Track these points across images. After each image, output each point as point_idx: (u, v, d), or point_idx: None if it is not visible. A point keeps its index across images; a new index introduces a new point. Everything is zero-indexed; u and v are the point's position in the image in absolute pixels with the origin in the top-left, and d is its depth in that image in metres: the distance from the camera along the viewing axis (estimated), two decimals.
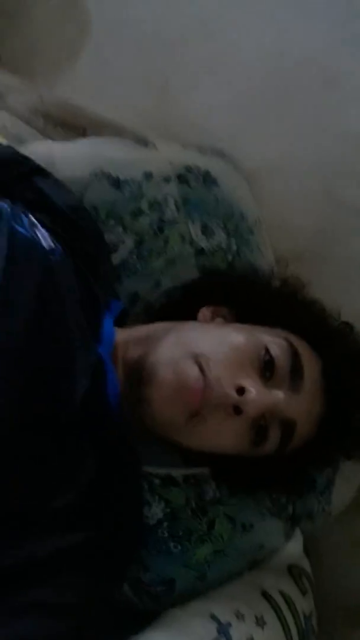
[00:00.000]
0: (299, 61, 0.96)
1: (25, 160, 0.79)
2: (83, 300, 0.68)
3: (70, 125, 0.96)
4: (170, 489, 0.71)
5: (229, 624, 0.66)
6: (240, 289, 0.77)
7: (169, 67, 1.06)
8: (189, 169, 0.94)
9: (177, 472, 0.72)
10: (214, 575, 0.72)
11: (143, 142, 0.97)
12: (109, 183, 0.87)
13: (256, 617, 0.68)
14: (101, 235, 0.82)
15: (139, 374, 0.63)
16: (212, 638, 0.64)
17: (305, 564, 0.79)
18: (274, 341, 0.66)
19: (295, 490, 0.77)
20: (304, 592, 0.75)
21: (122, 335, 0.70)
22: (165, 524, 0.70)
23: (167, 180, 0.91)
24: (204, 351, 0.63)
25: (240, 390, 0.61)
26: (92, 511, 0.61)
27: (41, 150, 0.85)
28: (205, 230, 0.91)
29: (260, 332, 0.68)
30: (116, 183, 0.88)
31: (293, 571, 0.76)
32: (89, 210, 0.82)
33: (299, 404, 0.65)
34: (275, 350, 0.65)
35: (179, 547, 0.70)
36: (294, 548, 0.79)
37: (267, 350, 0.65)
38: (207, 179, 0.95)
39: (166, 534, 0.70)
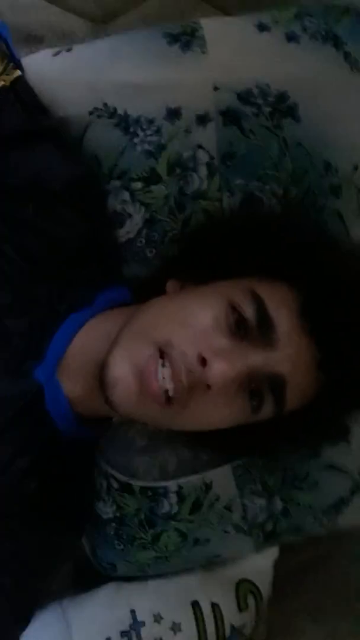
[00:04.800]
0: None
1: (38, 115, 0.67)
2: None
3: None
4: (124, 496, 0.74)
5: (143, 623, 0.74)
6: (197, 247, 0.69)
7: None
8: (249, 92, 0.68)
9: (137, 483, 0.73)
10: (155, 572, 0.78)
11: (185, 36, 0.67)
12: (113, 123, 0.67)
13: (173, 623, 0.74)
14: (103, 214, 0.70)
15: (101, 379, 0.61)
16: (122, 630, 0.74)
17: (263, 581, 0.79)
18: (239, 296, 0.60)
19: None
20: (242, 609, 0.76)
21: (83, 338, 0.66)
22: (113, 524, 0.75)
23: (202, 120, 0.68)
24: (163, 333, 0.59)
25: (203, 361, 0.57)
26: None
27: None
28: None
29: (223, 290, 0.62)
30: (123, 122, 0.67)
31: (241, 587, 0.77)
32: (92, 182, 0.69)
33: (279, 357, 0.59)
34: (242, 306, 0.59)
35: (122, 547, 0.75)
36: (256, 563, 0.78)
37: (233, 309, 0.59)
38: (280, 110, 0.69)
39: (112, 533, 0.75)
